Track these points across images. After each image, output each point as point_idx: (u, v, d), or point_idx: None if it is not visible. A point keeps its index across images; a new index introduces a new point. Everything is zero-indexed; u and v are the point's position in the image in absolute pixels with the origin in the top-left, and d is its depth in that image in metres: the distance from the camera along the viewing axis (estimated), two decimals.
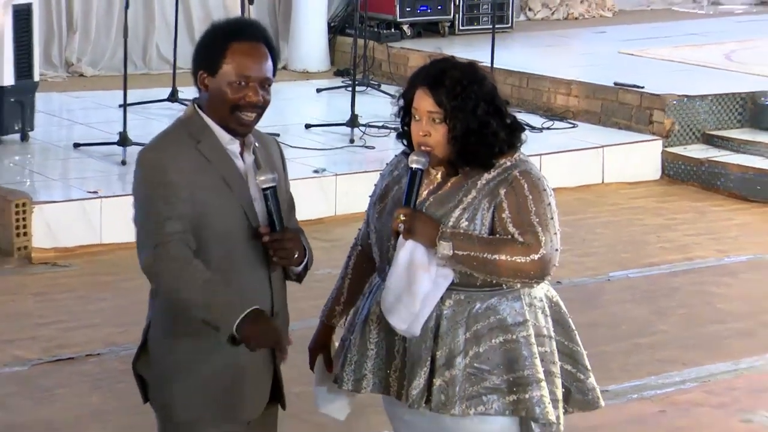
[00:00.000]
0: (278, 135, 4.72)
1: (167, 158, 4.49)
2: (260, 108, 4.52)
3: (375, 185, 4.93)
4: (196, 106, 4.59)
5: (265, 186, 4.51)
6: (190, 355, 4.53)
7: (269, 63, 4.55)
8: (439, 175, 4.71)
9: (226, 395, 4.57)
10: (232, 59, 4.47)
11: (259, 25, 4.74)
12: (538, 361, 4.67)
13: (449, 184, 4.69)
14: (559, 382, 4.75)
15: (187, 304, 4.40)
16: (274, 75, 4.60)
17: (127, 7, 11.20)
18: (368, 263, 4.96)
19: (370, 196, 4.92)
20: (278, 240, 4.49)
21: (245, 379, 4.59)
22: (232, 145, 4.54)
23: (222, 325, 4.32)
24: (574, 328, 4.89)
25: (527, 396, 4.65)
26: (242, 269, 4.54)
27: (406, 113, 4.74)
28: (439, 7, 15.04)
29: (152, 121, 11.00)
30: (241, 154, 4.57)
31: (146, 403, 4.71)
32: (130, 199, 4.72)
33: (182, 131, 4.58)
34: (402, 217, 4.53)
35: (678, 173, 12.26)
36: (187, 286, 4.35)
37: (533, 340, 4.68)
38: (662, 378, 7.98)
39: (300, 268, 4.61)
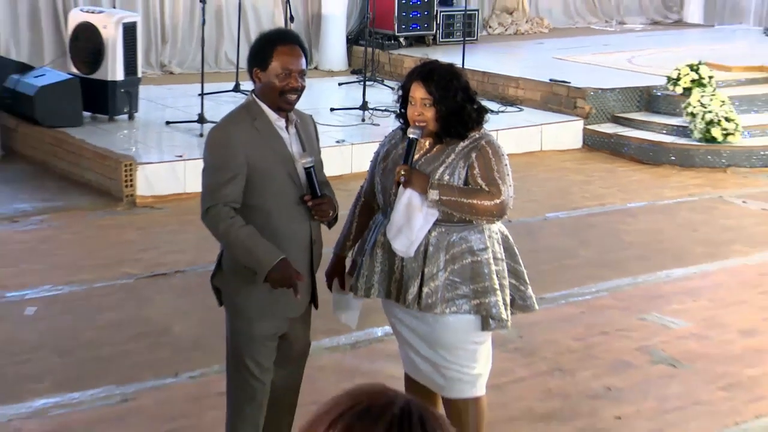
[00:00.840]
0: (311, 116, 4.77)
1: (228, 135, 4.60)
2: (299, 91, 4.62)
3: (375, 152, 5.05)
4: (253, 95, 4.65)
5: (306, 165, 4.61)
6: (252, 272, 4.57)
7: (303, 59, 4.63)
8: (427, 143, 4.81)
9: (279, 299, 4.61)
10: (277, 58, 4.56)
11: (295, 33, 4.89)
12: (495, 276, 4.76)
13: (435, 149, 4.80)
14: (507, 292, 4.83)
15: (233, 253, 4.58)
16: (306, 68, 4.66)
17: (203, 24, 11.17)
18: (368, 211, 5.07)
19: (371, 161, 5.06)
20: (318, 204, 4.61)
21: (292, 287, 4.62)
22: (279, 122, 4.63)
23: (258, 272, 4.46)
24: (518, 253, 4.99)
25: (487, 300, 4.74)
26: (288, 212, 4.63)
27: (403, 100, 4.81)
28: (425, 25, 15.01)
29: (221, 105, 10.92)
30: (286, 127, 4.65)
31: (221, 306, 4.81)
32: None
33: (243, 113, 4.66)
34: (402, 172, 4.66)
35: (594, 144, 12.22)
36: (231, 240, 4.52)
37: (491, 261, 4.77)
38: (583, 289, 7.97)
39: (335, 219, 4.77)
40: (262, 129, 4.59)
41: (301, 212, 4.64)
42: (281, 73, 4.53)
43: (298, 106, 4.72)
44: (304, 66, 4.61)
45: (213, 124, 4.97)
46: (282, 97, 4.56)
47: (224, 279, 4.76)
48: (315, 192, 4.61)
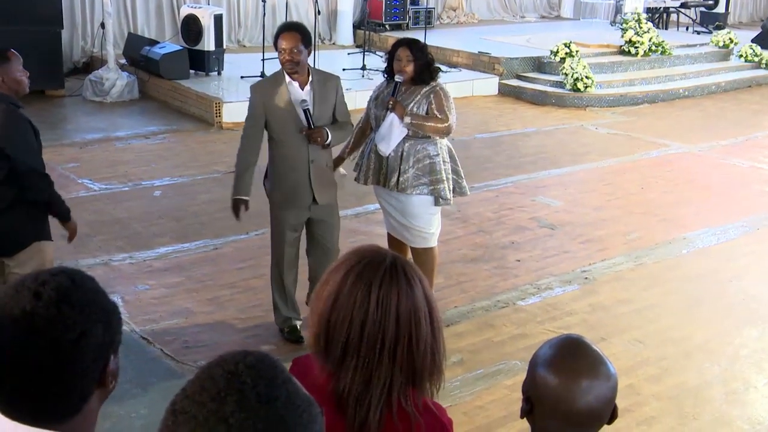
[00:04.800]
0: (338, 77, 4.60)
1: (258, 88, 4.44)
2: (292, 62, 4.31)
3: (370, 96, 4.92)
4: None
5: (303, 107, 4.34)
6: (279, 177, 4.49)
7: (293, 40, 4.29)
8: (404, 86, 4.71)
9: (291, 198, 4.51)
10: (279, 41, 4.32)
11: (293, 22, 4.56)
12: (443, 172, 4.70)
13: (409, 91, 4.71)
14: (451, 183, 4.76)
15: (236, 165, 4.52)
16: (306, 46, 4.33)
17: (264, 15, 10.98)
18: (362, 133, 4.93)
19: (368, 100, 4.92)
20: (310, 133, 4.35)
21: (300, 188, 4.48)
22: (293, 83, 4.37)
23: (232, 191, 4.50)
24: (457, 159, 4.89)
25: (439, 186, 4.70)
26: (292, 141, 4.42)
27: (390, 60, 4.71)
28: (402, 17, 14.63)
29: (275, 67, 10.62)
30: (303, 87, 4.39)
31: (268, 197, 4.67)
32: None
33: (272, 77, 4.49)
34: (391, 102, 4.59)
35: (505, 92, 11.94)
36: (237, 162, 4.53)
37: (442, 162, 4.71)
38: (497, 181, 7.86)
39: (326, 143, 4.43)
40: (279, 86, 4.37)
41: (302, 141, 4.41)
42: (279, 51, 4.32)
43: (327, 68, 4.59)
44: (293, 45, 4.26)
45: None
46: (283, 66, 4.34)
47: (268, 182, 4.63)
48: (310, 125, 4.34)
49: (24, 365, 1.26)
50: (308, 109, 4.34)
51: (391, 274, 1.74)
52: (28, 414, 1.30)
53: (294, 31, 4.33)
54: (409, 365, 1.74)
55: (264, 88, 4.43)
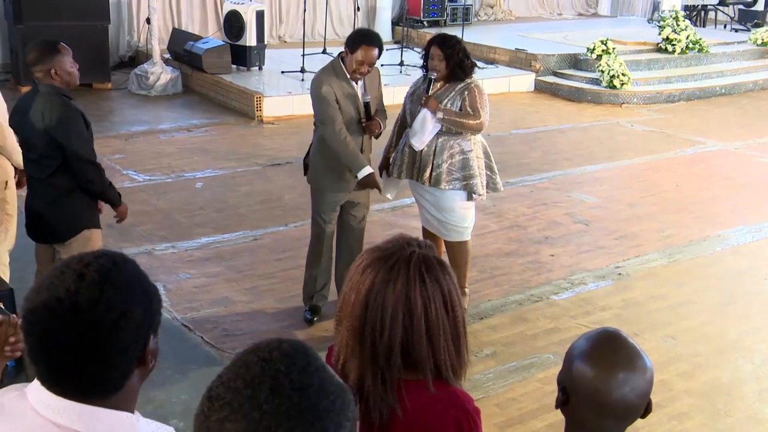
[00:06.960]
0: (378, 68, 4.67)
1: (325, 79, 4.46)
2: (365, 74, 4.45)
3: (407, 92, 4.92)
4: (339, 58, 4.49)
5: (365, 101, 4.48)
6: (331, 159, 4.55)
7: (376, 55, 4.40)
8: (438, 84, 4.71)
9: (339, 178, 4.58)
10: (360, 50, 4.36)
11: (379, 37, 4.52)
12: (476, 168, 4.70)
13: (443, 87, 4.72)
14: (485, 178, 4.75)
15: (341, 157, 4.49)
16: (378, 58, 4.42)
17: (305, 11, 10.95)
18: (402, 129, 4.92)
19: (404, 97, 4.92)
20: (368, 124, 4.51)
21: (348, 174, 4.57)
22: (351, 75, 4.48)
23: (354, 171, 4.49)
24: (491, 154, 4.87)
25: (472, 182, 4.69)
26: (351, 129, 4.49)
27: (426, 56, 4.72)
28: (440, 13, 14.54)
29: (314, 62, 10.65)
30: (356, 80, 4.49)
31: (305, 175, 4.80)
32: (307, 95, 4.73)
33: (330, 68, 4.50)
34: (424, 98, 4.61)
35: (541, 88, 11.83)
36: (344, 148, 4.46)
37: (475, 158, 4.70)
38: (531, 177, 7.81)
39: (380, 133, 4.62)
40: (340, 78, 4.47)
41: (358, 130, 4.55)
42: (359, 61, 4.38)
43: None
44: (374, 60, 4.41)
45: (312, 74, 4.99)
46: (353, 73, 4.43)
47: (311, 162, 4.72)
48: (369, 116, 4.52)
49: (68, 343, 1.31)
50: (368, 102, 4.52)
51: (400, 269, 1.78)
52: (74, 390, 1.34)
53: (378, 48, 4.40)
54: (411, 358, 1.78)
55: (330, 79, 4.49)
